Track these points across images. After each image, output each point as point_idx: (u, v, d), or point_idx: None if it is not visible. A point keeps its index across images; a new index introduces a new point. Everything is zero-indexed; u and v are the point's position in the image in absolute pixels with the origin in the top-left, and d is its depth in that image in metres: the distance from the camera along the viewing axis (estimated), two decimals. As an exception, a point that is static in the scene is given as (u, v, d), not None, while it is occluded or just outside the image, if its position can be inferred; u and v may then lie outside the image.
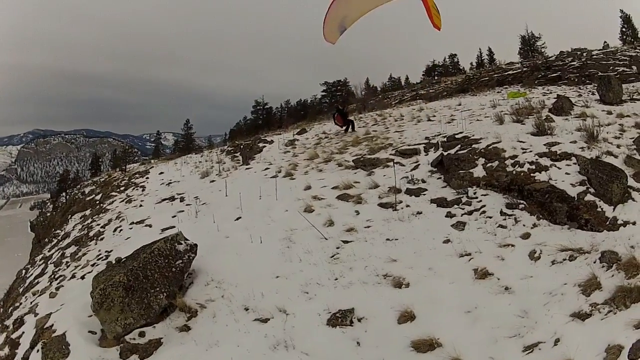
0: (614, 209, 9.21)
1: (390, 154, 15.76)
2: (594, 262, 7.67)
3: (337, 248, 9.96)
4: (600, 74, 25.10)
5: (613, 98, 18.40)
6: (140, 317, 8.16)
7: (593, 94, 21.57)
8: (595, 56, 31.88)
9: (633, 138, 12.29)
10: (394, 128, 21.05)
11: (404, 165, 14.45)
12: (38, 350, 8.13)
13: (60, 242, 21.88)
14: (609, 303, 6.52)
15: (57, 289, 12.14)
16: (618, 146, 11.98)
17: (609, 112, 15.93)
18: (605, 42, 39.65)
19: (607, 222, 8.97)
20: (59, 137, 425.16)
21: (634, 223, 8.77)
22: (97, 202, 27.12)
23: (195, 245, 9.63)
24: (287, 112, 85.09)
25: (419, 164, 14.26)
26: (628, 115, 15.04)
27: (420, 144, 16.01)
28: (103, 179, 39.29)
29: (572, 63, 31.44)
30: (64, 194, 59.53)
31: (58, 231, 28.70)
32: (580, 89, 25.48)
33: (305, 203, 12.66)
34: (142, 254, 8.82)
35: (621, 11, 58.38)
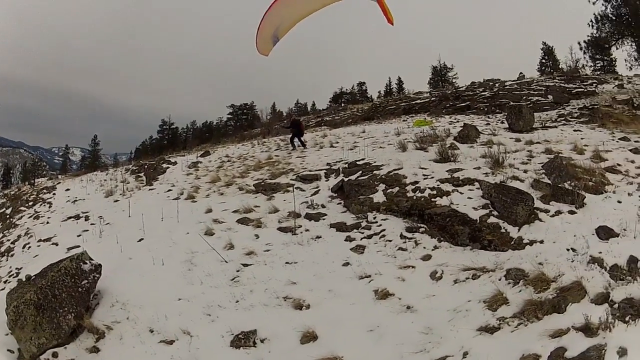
0: (519, 230, 9.61)
1: (291, 179, 16.05)
2: (499, 280, 7.98)
3: (238, 271, 10.05)
4: (511, 103, 26.25)
5: (523, 126, 19.14)
6: (52, 337, 8.07)
7: (502, 122, 22.30)
8: (508, 86, 33.01)
9: (542, 163, 12.81)
10: (297, 154, 21.32)
11: (304, 191, 14.74)
12: (-47, 369, 7.95)
13: None
14: (519, 316, 6.86)
15: None
16: (525, 171, 12.50)
17: (518, 140, 16.65)
18: (521, 72, 40.85)
19: (512, 242, 9.35)
20: None
21: (541, 241, 9.13)
22: (8, 216, 26.25)
23: (100, 265, 9.56)
24: (193, 133, 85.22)
25: (320, 190, 14.53)
26: (538, 142, 15.71)
27: (321, 169, 16.33)
28: (13, 192, 38.17)
29: (483, 93, 32.37)
30: None
31: None
32: (489, 118, 26.39)
33: (206, 226, 12.74)
34: (50, 273, 8.72)
35: (543, 43, 60.71)
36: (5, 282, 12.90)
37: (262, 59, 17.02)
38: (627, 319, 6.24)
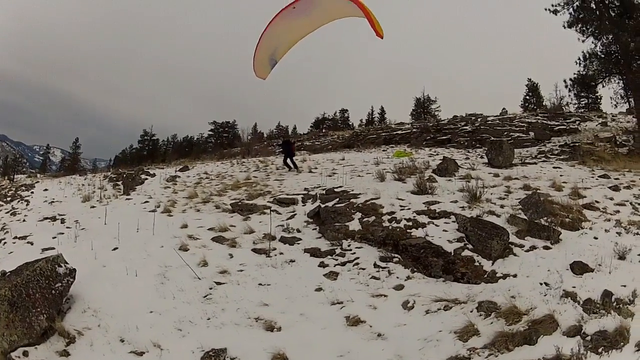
0: (492, 263, 9.71)
1: (268, 201, 16.14)
2: (471, 311, 8.03)
3: (210, 289, 10.02)
4: (492, 138, 26.35)
5: (503, 162, 19.45)
6: (23, 335, 7.97)
7: (482, 157, 22.72)
8: (490, 122, 33.28)
9: (519, 199, 12.94)
10: (275, 176, 21.44)
11: (280, 214, 14.78)
12: None
13: None
14: (489, 347, 6.92)
15: None
16: (502, 206, 12.69)
17: (496, 175, 16.90)
18: (504, 108, 41.06)
19: (485, 275, 9.44)
20: None
21: (514, 275, 9.20)
22: None
23: (74, 269, 9.47)
24: (173, 146, 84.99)
25: (296, 214, 14.59)
26: (517, 178, 15.93)
27: (298, 194, 16.44)
28: None
29: (465, 127, 32.64)
30: None
31: None
32: (469, 152, 26.67)
33: (181, 241, 12.67)
34: (25, 271, 8.64)
35: (529, 80, 61.18)
36: None
37: (250, 78, 17.09)
38: (599, 350, 6.36)
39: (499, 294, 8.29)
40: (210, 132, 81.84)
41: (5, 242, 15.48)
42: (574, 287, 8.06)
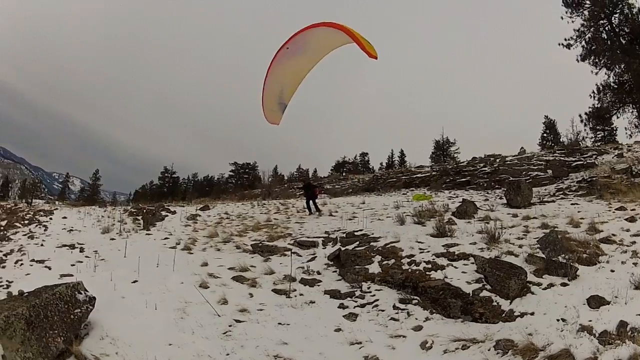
0: (510, 303, 9.66)
1: (289, 243, 16.19)
2: (488, 350, 8.00)
3: (230, 326, 10.01)
4: (510, 178, 26.42)
5: (521, 202, 19.44)
6: (38, 354, 8.03)
7: (501, 198, 22.61)
8: (508, 162, 33.16)
9: (537, 238, 12.87)
10: (295, 219, 21.54)
11: (301, 256, 14.86)
12: (-63, 361, 7.96)
13: None
14: None
15: None
16: (520, 246, 12.60)
17: (515, 215, 16.89)
18: (522, 147, 40.83)
19: (503, 315, 9.39)
20: None
21: (532, 313, 9.12)
22: (2, 228, 26.16)
23: (94, 298, 9.55)
24: (193, 185, 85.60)
25: (316, 256, 14.64)
26: (535, 217, 15.92)
27: (319, 237, 16.55)
28: (9, 206, 38.08)
29: (484, 169, 32.55)
30: None
31: None
32: (488, 193, 26.51)
33: (202, 278, 12.72)
34: (44, 294, 8.74)
35: (545, 117, 61.15)
36: None
37: (264, 122, 17.24)
38: (613, 379, 6.30)
39: (516, 332, 8.27)
40: (231, 173, 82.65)
41: (22, 264, 15.66)
42: (590, 320, 8.03)
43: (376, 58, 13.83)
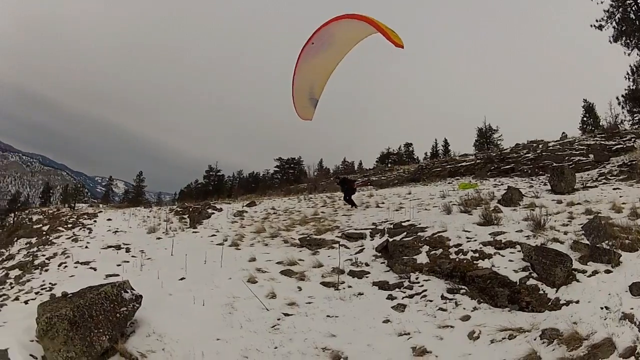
0: (556, 291, 9.62)
1: (337, 236, 16.28)
2: (534, 340, 8.01)
3: (278, 319, 10.20)
4: (554, 164, 26.28)
5: (565, 188, 19.23)
6: (82, 353, 8.30)
7: (545, 184, 22.36)
8: (551, 147, 32.70)
9: (582, 224, 12.81)
10: (342, 212, 21.54)
11: (348, 248, 14.90)
12: (-22, 358, 8.16)
13: (5, 262, 21.57)
14: None
15: (0, 306, 12.30)
16: (565, 233, 12.49)
17: (559, 201, 16.70)
18: (563, 132, 40.21)
19: (549, 303, 9.37)
20: (17, 155, 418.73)
21: (577, 302, 9.10)
22: (44, 232, 26.65)
23: (141, 296, 9.83)
24: (239, 182, 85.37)
25: (364, 248, 14.69)
26: (579, 203, 15.68)
27: (366, 229, 16.56)
28: (52, 211, 38.73)
29: (527, 155, 32.16)
30: (12, 215, 58.32)
31: (2, 250, 28.28)
32: (532, 180, 26.18)
33: (250, 274, 12.92)
34: (88, 294, 9.04)
35: (584, 100, 59.45)
36: (37, 293, 13.43)
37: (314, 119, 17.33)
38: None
39: (561, 321, 8.28)
40: (276, 168, 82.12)
41: (66, 266, 16.21)
42: (632, 308, 8.05)
43: (402, 47, 13.77)
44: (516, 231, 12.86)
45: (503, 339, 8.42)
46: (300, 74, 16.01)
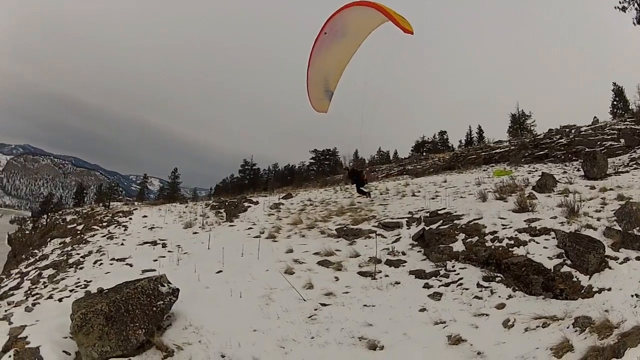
0: (589, 278, 9.58)
1: (373, 226, 16.30)
2: (567, 328, 7.99)
3: (315, 310, 10.27)
4: (586, 150, 26.11)
5: (597, 173, 19.16)
6: (117, 347, 8.40)
7: (578, 170, 22.28)
8: (583, 132, 32.53)
9: (614, 210, 12.76)
10: (379, 201, 21.59)
11: (385, 238, 14.98)
12: (10, 356, 8.39)
13: (38, 262, 22.15)
14: None
15: (34, 304, 12.39)
16: (598, 219, 12.45)
17: (592, 187, 16.61)
18: (595, 117, 39.78)
19: (582, 291, 9.33)
20: (49, 158, 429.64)
21: (609, 289, 9.08)
22: (79, 232, 27.18)
23: (178, 289, 9.89)
24: (274, 175, 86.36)
25: (401, 237, 14.76)
26: (611, 189, 15.65)
27: (403, 217, 16.60)
28: (86, 211, 39.31)
29: (560, 140, 32.02)
30: (45, 216, 59.21)
31: (36, 251, 29.01)
32: (566, 165, 26.15)
33: (287, 265, 13.04)
34: (125, 289, 9.10)
35: (614, 84, 59.25)
36: (71, 290, 13.62)
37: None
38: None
39: (594, 309, 8.26)
40: (312, 160, 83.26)
41: (101, 263, 16.54)
42: (662, 296, 7.94)
43: (412, 33, 13.81)
44: (550, 217, 12.82)
45: (537, 327, 8.41)
46: (315, 67, 16.16)
